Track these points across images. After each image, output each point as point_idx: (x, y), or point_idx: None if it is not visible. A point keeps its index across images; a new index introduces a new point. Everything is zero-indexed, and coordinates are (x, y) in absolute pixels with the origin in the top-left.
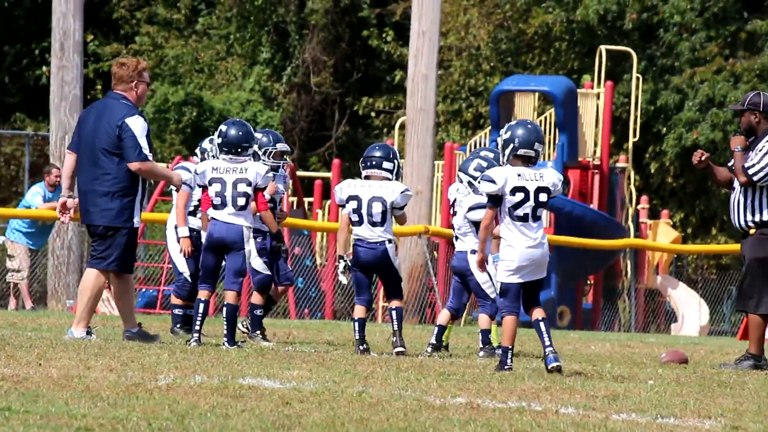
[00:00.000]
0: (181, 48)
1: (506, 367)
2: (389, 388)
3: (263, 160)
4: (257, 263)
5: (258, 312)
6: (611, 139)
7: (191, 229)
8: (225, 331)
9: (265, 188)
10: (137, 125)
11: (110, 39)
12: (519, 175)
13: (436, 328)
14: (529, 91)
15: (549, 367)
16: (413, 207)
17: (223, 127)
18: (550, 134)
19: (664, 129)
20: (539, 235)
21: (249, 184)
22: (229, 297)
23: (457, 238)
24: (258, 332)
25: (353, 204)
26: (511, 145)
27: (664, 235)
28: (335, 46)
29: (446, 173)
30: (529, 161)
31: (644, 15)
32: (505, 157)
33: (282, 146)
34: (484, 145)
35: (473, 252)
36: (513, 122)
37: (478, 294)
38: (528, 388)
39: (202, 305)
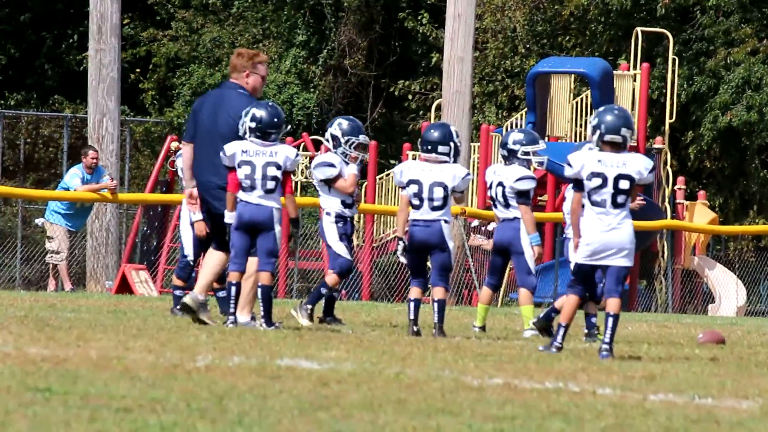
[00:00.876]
0: (218, 31)
1: (555, 343)
2: (426, 369)
3: (344, 149)
4: (339, 247)
5: (335, 294)
6: (648, 122)
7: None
8: (262, 312)
9: (293, 172)
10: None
11: (147, 23)
12: (599, 161)
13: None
14: (565, 73)
15: (600, 357)
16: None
17: (254, 110)
18: (586, 115)
19: (700, 113)
20: (617, 221)
21: (278, 168)
22: (264, 278)
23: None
24: (331, 317)
25: (414, 188)
26: (598, 131)
27: (700, 215)
28: (369, 29)
29: (482, 155)
30: (618, 147)
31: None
32: (594, 144)
33: (364, 138)
34: (521, 126)
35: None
36: (602, 108)
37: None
38: (565, 368)
39: (234, 288)
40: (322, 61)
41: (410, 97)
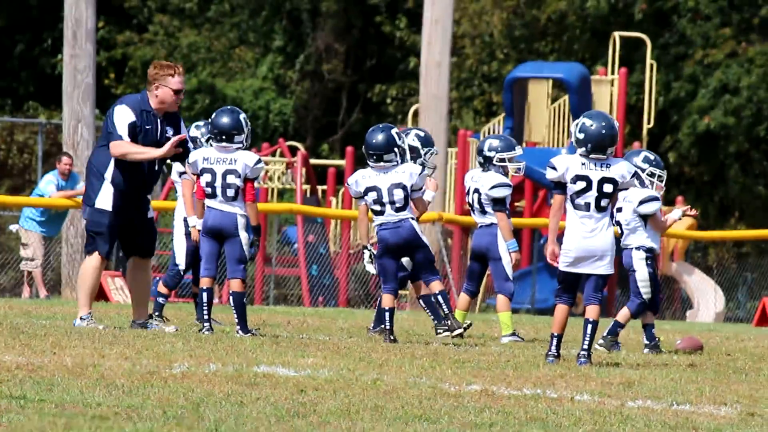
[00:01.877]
0: (195, 36)
1: (550, 353)
2: (404, 376)
3: (423, 159)
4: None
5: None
6: (626, 127)
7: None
8: (236, 320)
9: (255, 179)
10: (119, 112)
11: (123, 27)
12: (583, 164)
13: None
14: (543, 78)
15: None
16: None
17: (214, 115)
18: (564, 121)
19: (677, 118)
20: (600, 225)
21: (238, 176)
22: (235, 285)
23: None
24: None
25: (373, 195)
26: (583, 148)
27: (679, 221)
28: (347, 34)
29: (460, 160)
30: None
31: (658, 2)
32: (579, 152)
33: (436, 149)
34: (498, 133)
35: (637, 248)
36: (589, 122)
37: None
38: (543, 375)
39: (206, 294)
40: (298, 66)
41: (388, 101)
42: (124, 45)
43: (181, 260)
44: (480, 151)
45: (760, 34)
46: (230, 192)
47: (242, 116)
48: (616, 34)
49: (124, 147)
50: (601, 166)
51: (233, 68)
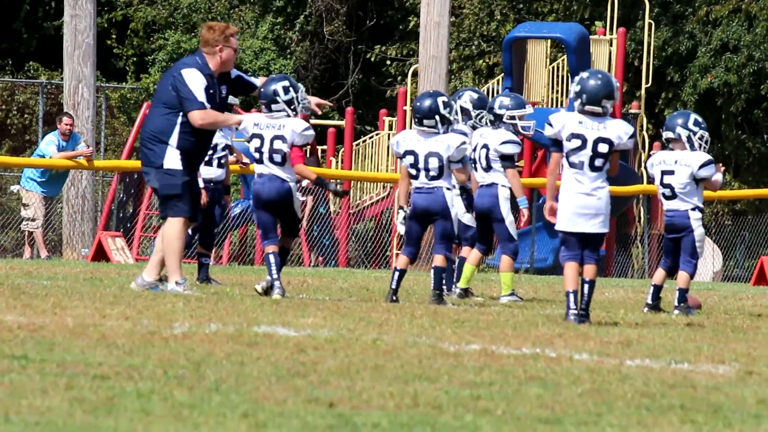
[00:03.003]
0: None
1: (570, 312)
2: (404, 336)
3: (474, 122)
4: (467, 218)
5: (454, 266)
6: (624, 86)
7: (207, 180)
8: (275, 274)
9: (303, 145)
10: (191, 76)
11: None
12: (580, 123)
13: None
14: (542, 38)
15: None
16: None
17: (264, 83)
18: (563, 81)
19: (678, 76)
20: (594, 185)
21: (284, 141)
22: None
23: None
24: (454, 287)
25: (410, 158)
26: (580, 99)
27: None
28: None
29: None
30: (598, 116)
31: None
32: (576, 108)
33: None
34: (497, 92)
35: (693, 209)
36: (586, 75)
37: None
38: (542, 334)
39: (272, 256)
40: (298, 27)
41: (388, 62)
42: (124, 6)
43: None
44: (490, 109)
45: None
46: (277, 158)
47: (282, 85)
48: None
49: (211, 116)
50: (598, 126)
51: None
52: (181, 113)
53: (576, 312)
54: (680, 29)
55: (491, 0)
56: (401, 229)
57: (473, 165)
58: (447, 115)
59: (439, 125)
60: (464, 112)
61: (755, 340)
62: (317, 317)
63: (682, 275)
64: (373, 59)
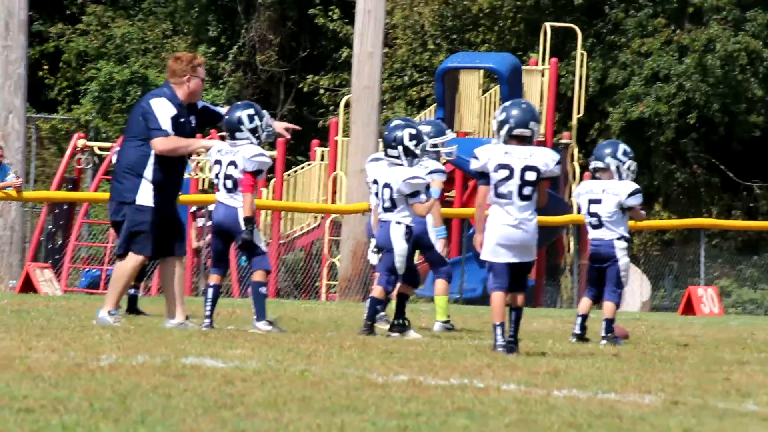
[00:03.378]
0: (128, 27)
1: (498, 344)
2: (332, 367)
3: (429, 154)
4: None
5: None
6: (556, 116)
7: None
8: (253, 310)
9: (255, 172)
10: (159, 105)
11: (56, 19)
12: (506, 153)
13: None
14: (474, 68)
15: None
16: (357, 185)
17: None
18: (495, 111)
19: (610, 107)
20: (524, 216)
21: (236, 167)
22: (257, 276)
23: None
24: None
25: (374, 187)
26: (507, 126)
27: None
28: (281, 25)
29: None
30: (525, 141)
31: None
32: (502, 138)
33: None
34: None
35: (619, 239)
36: (507, 103)
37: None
38: (470, 365)
39: (211, 290)
40: (231, 57)
41: (321, 92)
42: (57, 38)
43: None
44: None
45: (691, 23)
46: (228, 183)
47: (246, 113)
48: (547, 25)
49: (172, 142)
50: (524, 155)
51: (166, 59)
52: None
53: (503, 344)
54: (614, 59)
55: (424, 30)
56: (373, 259)
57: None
58: (412, 148)
59: (403, 157)
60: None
61: (681, 370)
62: (245, 348)
63: (608, 305)
64: (305, 89)
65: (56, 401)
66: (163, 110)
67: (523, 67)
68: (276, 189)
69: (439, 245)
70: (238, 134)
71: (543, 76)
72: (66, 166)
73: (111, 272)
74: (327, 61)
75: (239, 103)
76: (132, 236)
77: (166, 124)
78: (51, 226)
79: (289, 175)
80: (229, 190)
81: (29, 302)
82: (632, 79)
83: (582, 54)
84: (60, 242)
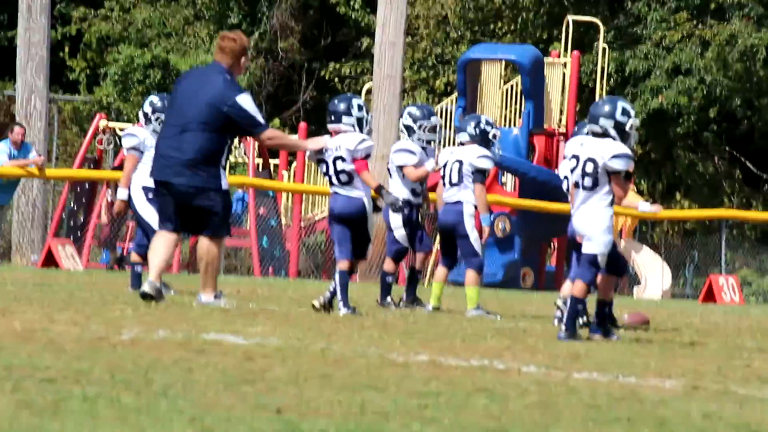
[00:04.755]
0: (150, 12)
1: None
2: (352, 345)
3: (419, 134)
4: (399, 234)
5: (389, 279)
6: (577, 107)
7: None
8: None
9: (364, 157)
10: (245, 101)
11: (78, 2)
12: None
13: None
14: (496, 60)
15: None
16: (379, 172)
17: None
18: (516, 102)
19: (630, 96)
20: (588, 205)
21: (344, 160)
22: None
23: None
24: (388, 298)
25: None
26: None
27: (628, 199)
28: (303, 13)
29: None
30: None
31: None
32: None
33: (435, 120)
34: (451, 111)
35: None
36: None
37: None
38: (491, 347)
39: (343, 276)
40: (253, 43)
41: (339, 79)
42: (79, 21)
43: (155, 224)
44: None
45: (714, 18)
46: (343, 177)
47: (357, 102)
48: (570, 18)
49: (278, 137)
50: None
51: (188, 44)
52: (229, 135)
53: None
54: (634, 51)
55: (446, 21)
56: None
57: (442, 181)
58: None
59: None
60: (408, 129)
61: (702, 356)
62: (266, 326)
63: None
64: (327, 77)
65: (78, 373)
66: (251, 104)
67: (545, 59)
68: (297, 172)
69: (485, 233)
70: (344, 119)
71: (565, 68)
72: (88, 145)
73: (132, 249)
74: (348, 49)
75: (348, 94)
76: (224, 220)
77: (261, 117)
78: (72, 204)
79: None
80: (344, 183)
81: (51, 276)
82: (653, 72)
83: (604, 48)
84: (81, 220)
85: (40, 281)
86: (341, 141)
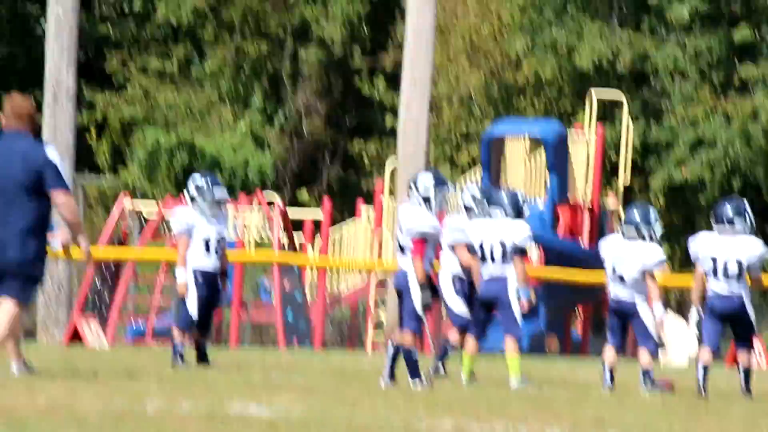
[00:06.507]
0: (174, 96)
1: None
2: (376, 415)
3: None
4: (456, 304)
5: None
6: (603, 180)
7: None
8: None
9: (421, 239)
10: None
11: (103, 88)
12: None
13: None
14: (521, 135)
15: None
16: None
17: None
18: (539, 175)
19: (653, 165)
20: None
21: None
22: (405, 338)
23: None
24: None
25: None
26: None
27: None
28: (327, 95)
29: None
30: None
31: (637, 63)
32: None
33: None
34: (476, 182)
35: None
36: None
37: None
38: (515, 411)
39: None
40: (278, 125)
41: (365, 157)
42: (104, 105)
43: (193, 309)
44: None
45: (738, 92)
46: (398, 246)
47: (429, 178)
48: (593, 91)
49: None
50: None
51: (212, 125)
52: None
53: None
54: (659, 120)
55: (470, 100)
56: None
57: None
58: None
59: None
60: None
61: (727, 420)
62: (291, 396)
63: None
64: (352, 154)
65: None
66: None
67: (569, 132)
68: (322, 246)
69: (524, 306)
70: (410, 194)
71: (588, 143)
72: (113, 224)
73: (158, 325)
74: (373, 127)
75: (429, 168)
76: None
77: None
78: (98, 283)
79: (335, 232)
80: (400, 252)
81: (76, 355)
82: (676, 143)
83: (628, 124)
84: (107, 298)
85: (65, 359)
86: (403, 214)
